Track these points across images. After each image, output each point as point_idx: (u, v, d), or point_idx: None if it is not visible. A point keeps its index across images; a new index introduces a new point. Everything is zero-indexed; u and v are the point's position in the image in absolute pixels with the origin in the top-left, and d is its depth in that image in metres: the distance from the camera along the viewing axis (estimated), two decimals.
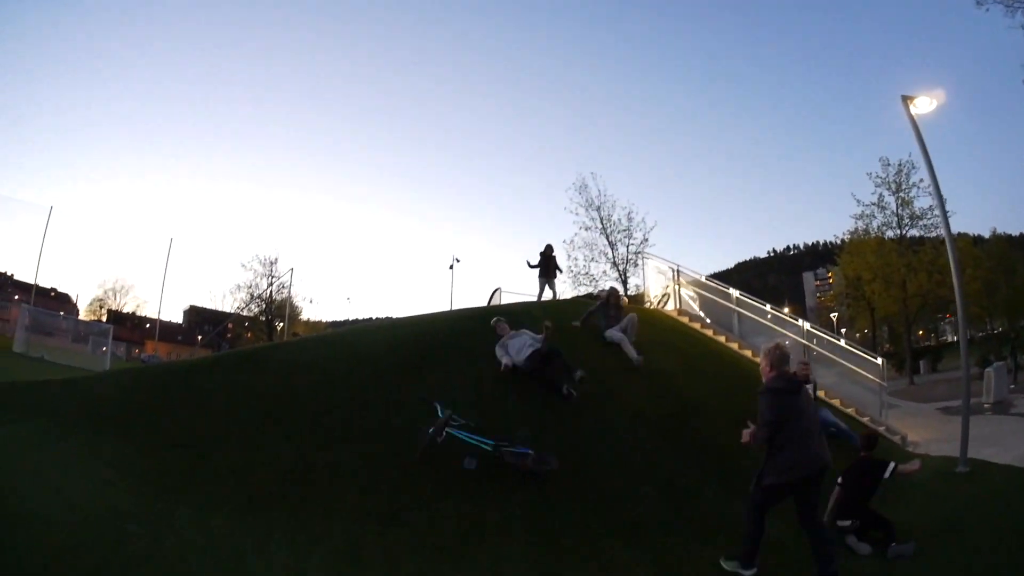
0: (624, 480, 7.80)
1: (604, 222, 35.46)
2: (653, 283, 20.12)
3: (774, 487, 6.12)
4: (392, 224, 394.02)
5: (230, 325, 53.55)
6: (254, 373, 9.11)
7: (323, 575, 5.34)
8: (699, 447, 9.05)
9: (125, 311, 70.87)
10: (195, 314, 72.39)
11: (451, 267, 31.04)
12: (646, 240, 34.84)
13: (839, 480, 7.79)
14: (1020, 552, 6.57)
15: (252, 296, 47.70)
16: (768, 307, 17.11)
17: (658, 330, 13.95)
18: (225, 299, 52.03)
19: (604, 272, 35.04)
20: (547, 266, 19.48)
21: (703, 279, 18.02)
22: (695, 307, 17.40)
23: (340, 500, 6.50)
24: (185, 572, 4.97)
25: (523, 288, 20.42)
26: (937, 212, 35.99)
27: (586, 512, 7.06)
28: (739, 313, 16.57)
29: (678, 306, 17.84)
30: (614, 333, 11.83)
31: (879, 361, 15.83)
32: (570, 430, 8.71)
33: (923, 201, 36.82)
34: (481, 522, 6.60)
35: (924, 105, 11.24)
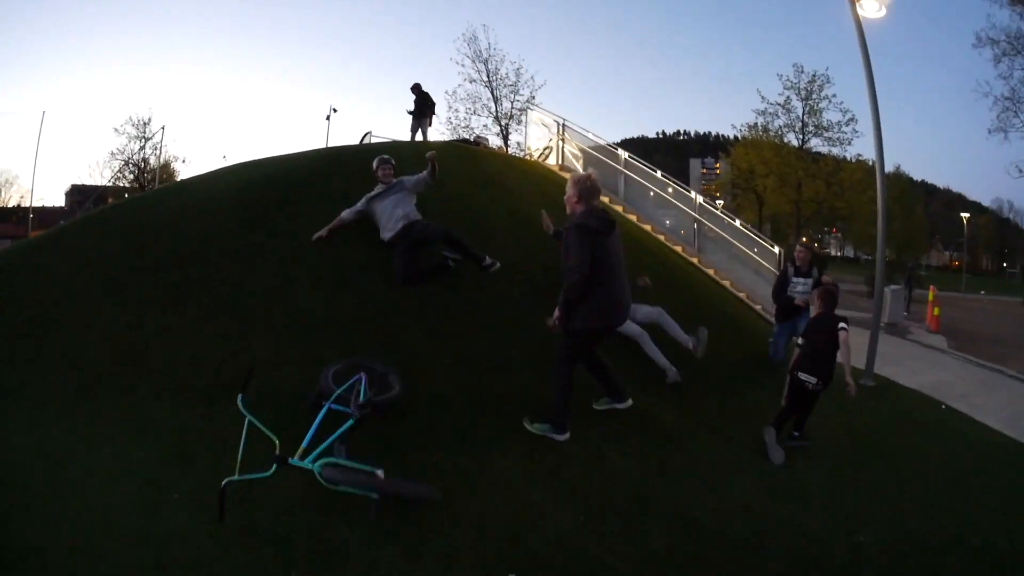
0: (490, 344, 7.03)
1: (491, 76, 35.58)
2: (535, 137, 18.81)
3: (581, 333, 5.68)
4: (269, 77, 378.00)
5: (109, 200, 48.50)
6: (100, 238, 8.04)
7: (148, 472, 4.69)
8: None
9: (9, 205, 61.91)
10: (77, 193, 65.15)
11: (328, 117, 30.87)
12: (533, 98, 34.00)
13: (798, 340, 7.12)
14: (938, 475, 6.58)
15: (126, 163, 44.12)
16: (659, 173, 16.10)
17: (538, 184, 12.83)
18: (104, 171, 46.73)
19: (485, 126, 35.05)
20: (421, 106, 18.52)
21: (590, 135, 16.80)
22: (578, 165, 16.13)
23: (169, 377, 5.75)
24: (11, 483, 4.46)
25: (401, 135, 18.47)
26: (845, 129, 38.13)
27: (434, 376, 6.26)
28: (626, 176, 15.72)
29: (560, 162, 16.63)
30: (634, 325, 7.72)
31: (776, 250, 15.12)
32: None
33: (832, 115, 38.36)
34: None
35: (872, 8, 10.59)
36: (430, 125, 18.75)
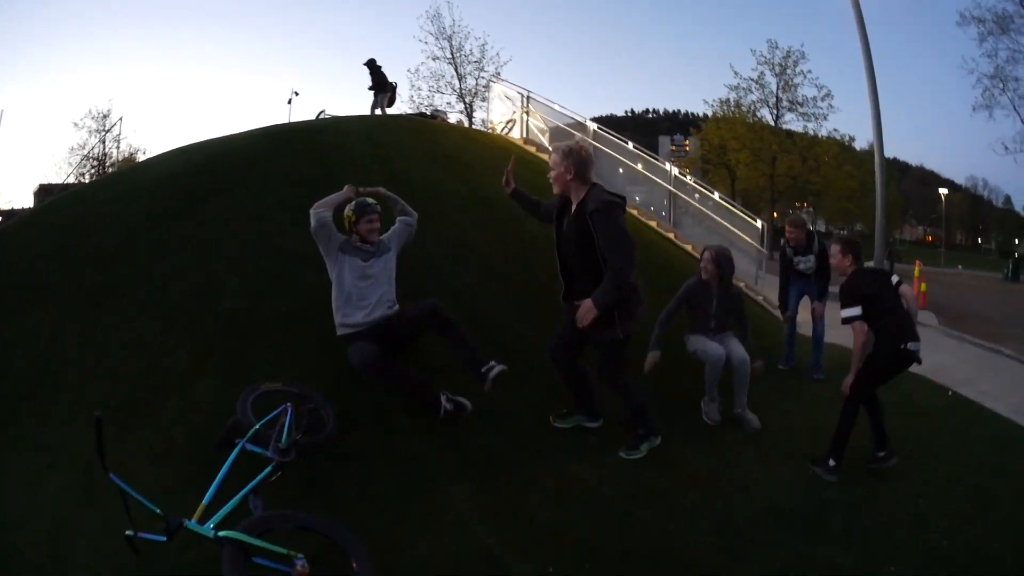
0: (439, 343, 6.01)
1: (454, 53, 35.74)
2: (499, 112, 18.80)
3: (625, 341, 5.08)
4: (231, 64, 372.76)
5: None
6: (31, 238, 7.84)
7: (58, 512, 4.23)
8: (529, 289, 7.54)
9: None
10: (44, 193, 63.80)
11: (289, 101, 31.90)
12: (498, 74, 34.04)
13: (849, 313, 5.48)
14: (957, 478, 5.67)
15: (86, 157, 43.20)
16: (630, 144, 15.71)
17: (500, 157, 11.55)
18: (66, 169, 45.33)
19: (449, 104, 35.10)
20: (379, 81, 17.58)
21: (556, 107, 16.48)
22: (544, 140, 15.94)
23: (84, 395, 5.23)
24: None
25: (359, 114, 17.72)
26: (820, 104, 38.97)
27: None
28: (595, 149, 14.84)
29: (525, 135, 16.50)
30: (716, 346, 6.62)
31: (759, 224, 15.04)
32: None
33: (807, 90, 39.38)
34: None
35: None
36: (390, 104, 18.12)
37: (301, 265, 6.35)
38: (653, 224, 13.88)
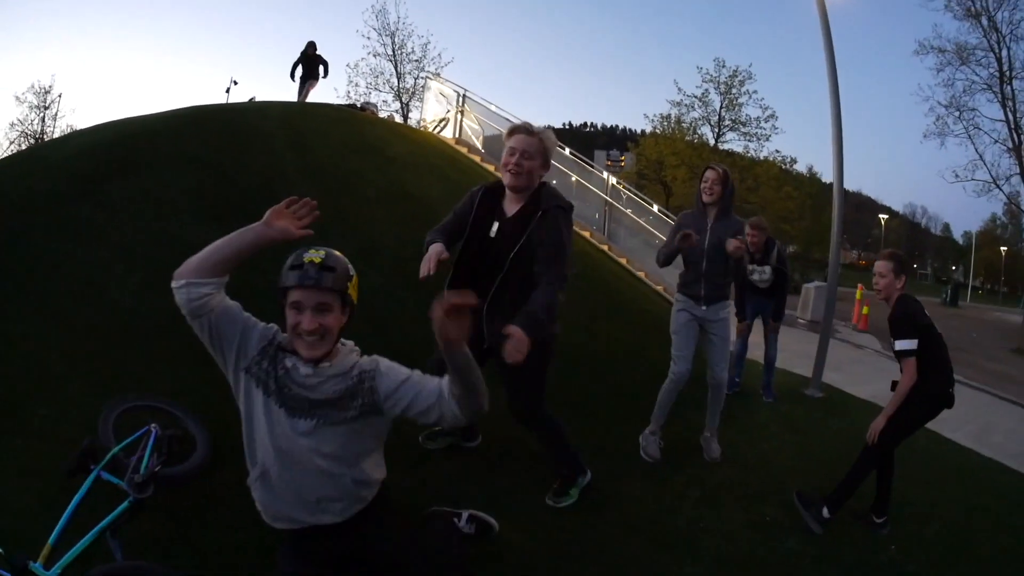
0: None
1: (396, 50, 35.92)
2: (434, 109, 18.70)
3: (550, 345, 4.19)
4: (172, 49, 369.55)
5: None
6: None
7: None
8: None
9: None
10: None
11: (228, 90, 30.71)
12: (438, 74, 33.06)
13: (905, 346, 4.68)
14: (931, 519, 5.29)
15: (24, 134, 42.11)
16: (567, 150, 15.29)
17: (428, 154, 12.14)
18: (5, 143, 43.81)
19: (385, 102, 35.09)
20: (309, 65, 17.51)
21: (493, 108, 16.29)
22: (476, 142, 15.97)
23: None
24: None
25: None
26: (763, 125, 39.60)
27: None
28: None
29: (457, 135, 16.35)
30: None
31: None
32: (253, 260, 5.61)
33: (751, 110, 39.91)
34: None
35: None
36: (310, 88, 17.78)
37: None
38: (586, 234, 13.46)
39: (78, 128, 43.27)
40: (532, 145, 3.99)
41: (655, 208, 15.05)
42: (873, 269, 4.95)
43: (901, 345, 4.60)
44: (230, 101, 29.56)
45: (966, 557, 4.72)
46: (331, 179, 8.24)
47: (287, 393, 2.66)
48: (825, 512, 4.67)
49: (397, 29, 35.85)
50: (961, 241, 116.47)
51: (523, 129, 4.03)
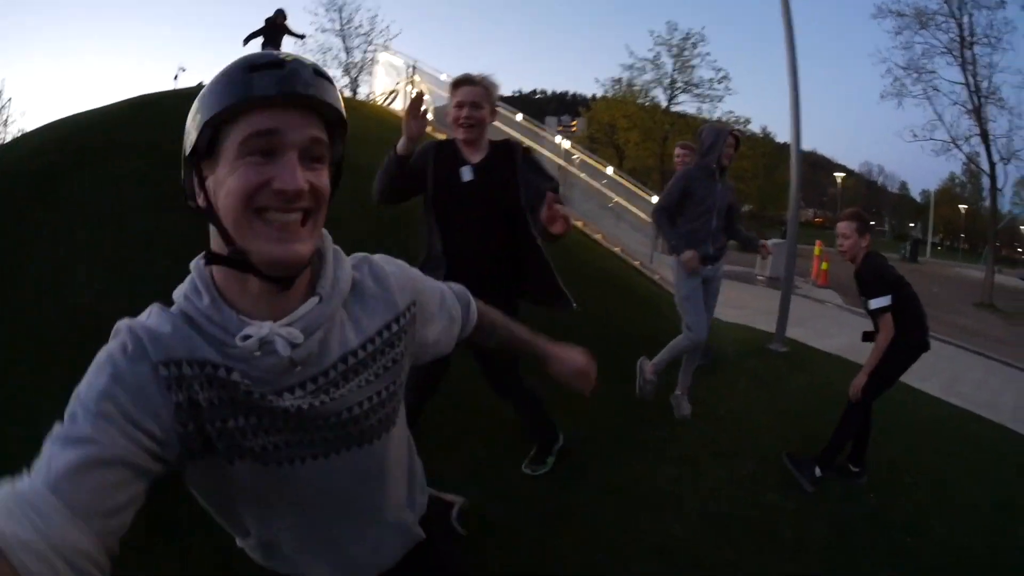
0: None
1: (344, 25, 35.91)
2: (383, 81, 19.09)
3: None
4: (118, 42, 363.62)
5: None
6: None
7: None
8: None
9: None
10: None
11: (176, 77, 30.68)
12: (386, 47, 33.20)
13: (877, 304, 4.79)
14: (906, 469, 5.39)
15: None
16: (520, 116, 15.66)
17: (380, 128, 11.72)
18: None
19: (334, 77, 33.30)
20: (273, 37, 15.91)
21: (443, 77, 15.98)
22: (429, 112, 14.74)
23: None
24: None
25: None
26: (717, 86, 39.71)
27: None
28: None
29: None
30: None
31: (655, 199, 14.01)
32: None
33: (704, 72, 40.02)
34: None
35: None
36: None
37: (151, 250, 5.96)
38: None
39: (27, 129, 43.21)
40: (478, 94, 3.85)
41: (609, 171, 15.12)
42: (836, 230, 5.02)
43: (877, 303, 4.69)
44: (179, 87, 29.53)
45: (945, 504, 4.82)
46: None
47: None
48: (817, 471, 4.77)
49: (345, 3, 36.00)
50: (919, 199, 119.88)
51: (466, 80, 3.88)
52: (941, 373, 9.37)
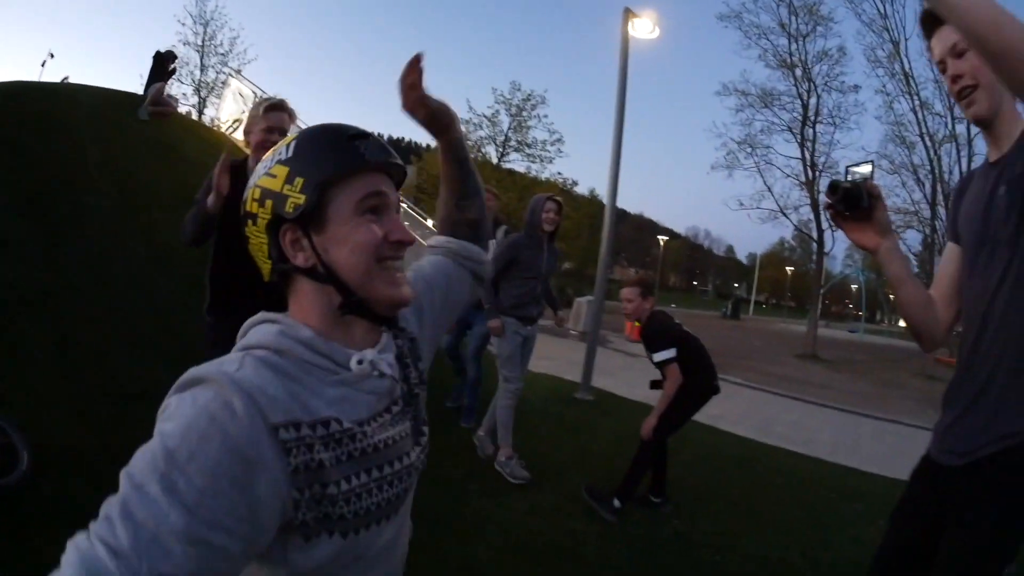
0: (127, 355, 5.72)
1: (206, 41, 35.11)
2: (230, 108, 19.11)
3: None
4: None
5: None
6: None
7: None
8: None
9: None
10: None
11: (43, 64, 29.30)
12: (239, 71, 33.04)
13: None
14: (713, 498, 5.77)
15: None
16: None
17: (215, 154, 10.81)
18: None
19: (184, 95, 33.54)
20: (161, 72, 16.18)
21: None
22: None
23: None
24: None
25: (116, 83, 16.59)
26: (549, 148, 41.64)
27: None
28: None
29: None
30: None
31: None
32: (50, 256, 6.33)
33: (539, 133, 41.66)
34: None
35: (644, 28, 11.05)
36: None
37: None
38: None
39: None
40: (285, 121, 3.88)
41: (429, 223, 15.24)
42: (620, 295, 5.47)
43: (661, 356, 5.15)
44: (44, 78, 27.78)
45: (755, 525, 5.12)
46: (128, 177, 8.25)
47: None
48: (616, 503, 4.95)
49: (212, 18, 35.00)
50: (746, 261, 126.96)
51: (280, 106, 3.90)
52: (755, 415, 9.91)
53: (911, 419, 11.90)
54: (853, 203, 1.97)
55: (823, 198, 2.07)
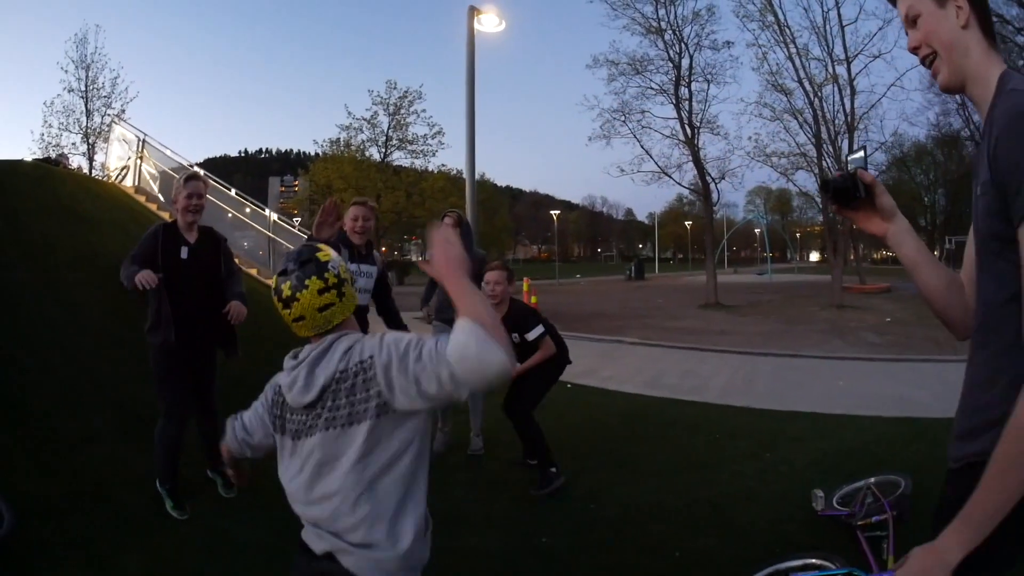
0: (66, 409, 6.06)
1: (88, 85, 33.28)
2: (117, 155, 18.20)
3: None
4: None
5: None
6: None
7: None
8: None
9: None
10: None
11: None
12: (123, 112, 32.90)
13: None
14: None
15: None
16: (233, 191, 16.39)
17: (111, 209, 12.21)
18: None
19: (74, 144, 32.98)
20: None
21: (169, 153, 16.70)
22: (155, 187, 15.92)
23: None
24: None
25: None
26: (431, 141, 41.89)
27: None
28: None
29: (137, 183, 16.30)
30: None
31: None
32: None
33: (419, 128, 42.19)
34: None
35: (491, 23, 11.89)
36: None
37: None
38: (253, 272, 13.66)
39: None
40: (203, 189, 5.15)
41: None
42: (485, 279, 5.82)
43: (536, 332, 5.68)
44: None
45: (629, 475, 5.64)
46: (32, 243, 8.34)
47: None
48: (553, 469, 5.44)
49: (92, 61, 33.38)
50: (647, 221, 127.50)
51: (196, 176, 5.22)
52: (646, 371, 10.38)
53: (811, 350, 12.64)
54: (848, 195, 1.97)
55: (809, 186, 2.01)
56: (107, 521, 4.78)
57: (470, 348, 1.75)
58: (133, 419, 6.20)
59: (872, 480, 4.56)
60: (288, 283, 2.02)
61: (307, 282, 2.01)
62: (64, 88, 32.81)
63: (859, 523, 4.10)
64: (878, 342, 14.15)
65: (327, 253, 2.09)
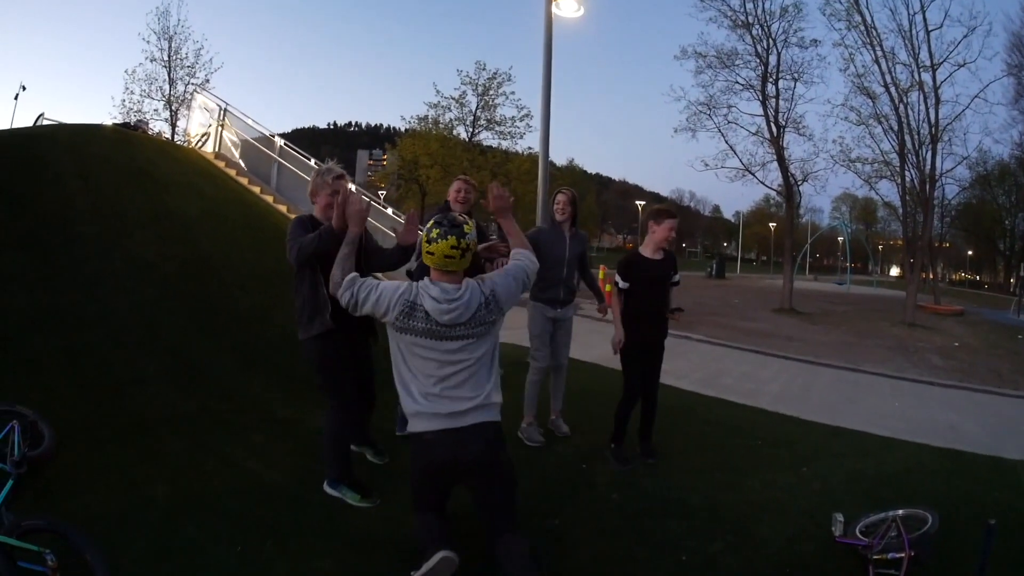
0: (120, 352, 6.69)
1: (171, 55, 33.90)
2: (198, 123, 18.85)
3: None
4: None
5: None
6: None
7: None
8: (205, 304, 8.27)
9: None
10: None
11: (16, 96, 27.92)
12: (207, 81, 33.39)
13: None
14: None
15: None
16: (312, 162, 16.58)
17: (187, 172, 12.86)
18: None
19: (156, 111, 33.47)
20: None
21: (250, 122, 17.37)
22: (235, 153, 16.76)
23: None
24: None
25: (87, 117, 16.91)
26: (519, 124, 41.57)
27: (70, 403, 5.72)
28: (279, 164, 16.41)
29: (217, 149, 16.97)
30: None
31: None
32: (48, 283, 7.07)
33: (507, 110, 42.59)
34: None
35: (569, 8, 12.05)
36: None
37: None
38: None
39: None
40: (345, 188, 4.96)
41: (390, 211, 16.34)
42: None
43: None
44: (18, 109, 27.54)
45: (660, 469, 5.71)
46: (104, 201, 8.89)
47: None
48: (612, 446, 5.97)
49: (175, 33, 33.98)
50: (734, 220, 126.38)
51: (341, 176, 4.98)
52: (704, 369, 10.36)
53: (873, 366, 12.34)
54: None
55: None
56: (142, 454, 5.17)
57: (535, 262, 3.90)
58: (185, 365, 6.81)
59: (900, 512, 4.46)
60: (437, 231, 3.43)
61: (449, 237, 3.42)
62: (146, 58, 33.39)
63: (874, 557, 4.07)
64: (942, 365, 13.78)
65: (470, 226, 3.55)
